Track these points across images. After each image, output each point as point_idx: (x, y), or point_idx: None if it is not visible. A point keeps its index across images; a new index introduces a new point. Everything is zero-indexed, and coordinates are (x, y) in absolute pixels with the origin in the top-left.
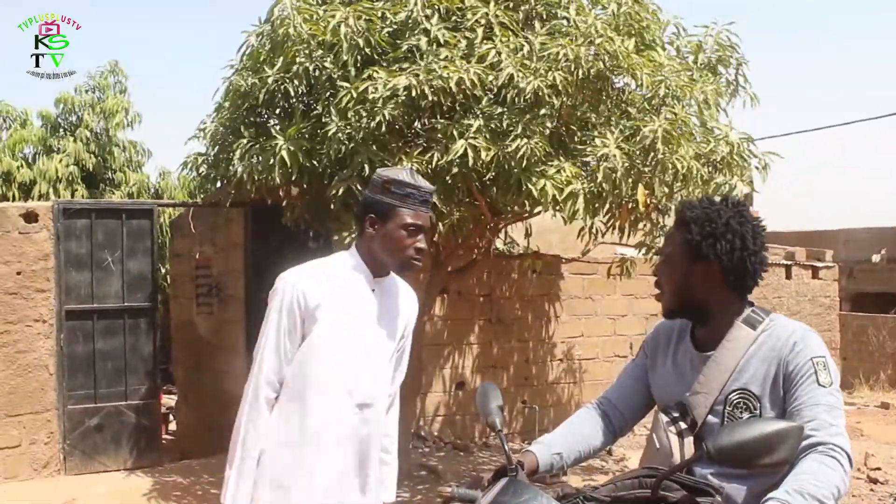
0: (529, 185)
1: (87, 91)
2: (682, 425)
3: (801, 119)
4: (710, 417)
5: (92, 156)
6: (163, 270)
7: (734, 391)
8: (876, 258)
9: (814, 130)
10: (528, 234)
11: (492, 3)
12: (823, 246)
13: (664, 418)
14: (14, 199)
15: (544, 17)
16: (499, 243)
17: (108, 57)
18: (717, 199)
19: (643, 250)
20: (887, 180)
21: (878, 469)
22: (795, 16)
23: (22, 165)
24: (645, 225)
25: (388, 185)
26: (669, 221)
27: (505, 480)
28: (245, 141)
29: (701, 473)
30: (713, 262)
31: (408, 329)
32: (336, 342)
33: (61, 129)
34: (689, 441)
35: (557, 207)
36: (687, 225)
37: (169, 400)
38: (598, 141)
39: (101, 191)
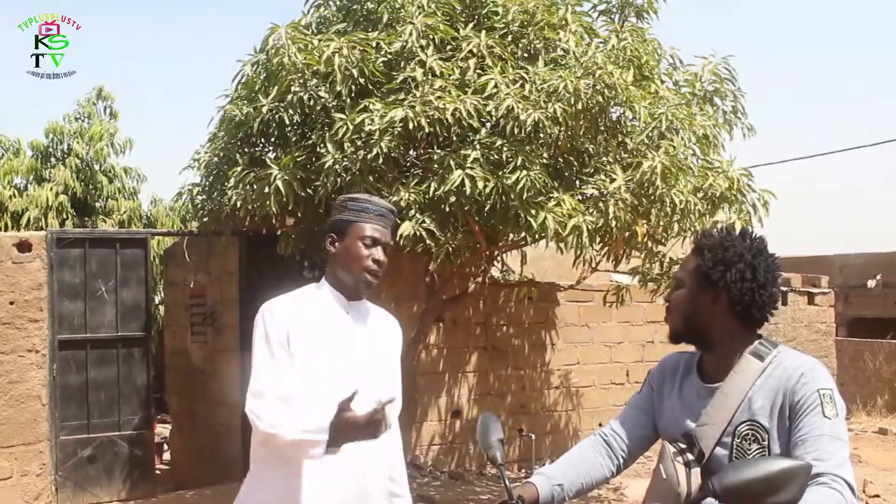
0: (529, 218)
1: (76, 119)
2: (689, 456)
3: (797, 145)
4: (718, 449)
5: (81, 184)
6: (156, 300)
7: (743, 423)
8: (871, 283)
9: (809, 158)
10: (523, 262)
11: (483, 34)
12: (818, 272)
13: (671, 449)
14: (6, 229)
15: (542, 51)
16: (494, 271)
17: (109, 71)
18: (737, 231)
19: (638, 277)
20: (882, 206)
21: (877, 497)
22: (788, 39)
23: (14, 195)
24: (641, 254)
25: (344, 204)
26: (664, 250)
27: None
28: (240, 169)
29: None
30: (721, 291)
31: (394, 357)
32: (320, 370)
33: (53, 158)
34: (696, 472)
35: (560, 241)
36: (701, 252)
37: (163, 429)
38: (604, 175)
39: (94, 220)
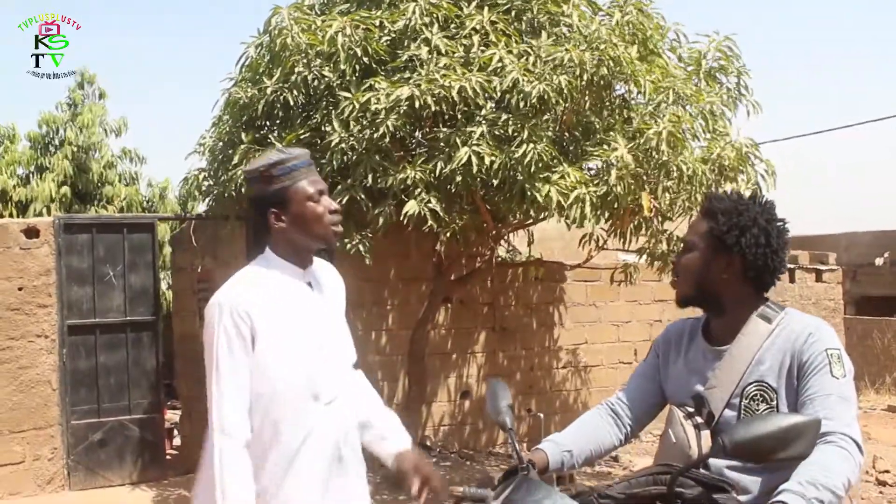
0: (534, 192)
1: (68, 106)
2: (699, 419)
3: (802, 122)
4: (726, 411)
5: (80, 172)
6: (163, 286)
7: (751, 384)
8: (879, 261)
9: (814, 134)
10: (530, 242)
11: (486, 10)
12: (826, 250)
13: (679, 413)
14: (13, 217)
15: (547, 26)
16: (501, 251)
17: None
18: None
19: (645, 256)
20: (890, 183)
21: (887, 472)
22: (798, 14)
23: (18, 184)
24: (647, 231)
25: (268, 173)
26: (671, 227)
27: (517, 478)
28: (244, 148)
29: (716, 467)
30: (735, 256)
31: (343, 308)
32: (292, 351)
33: (51, 147)
34: (706, 435)
35: (563, 213)
36: (714, 215)
37: (173, 415)
38: (607, 146)
39: (96, 208)
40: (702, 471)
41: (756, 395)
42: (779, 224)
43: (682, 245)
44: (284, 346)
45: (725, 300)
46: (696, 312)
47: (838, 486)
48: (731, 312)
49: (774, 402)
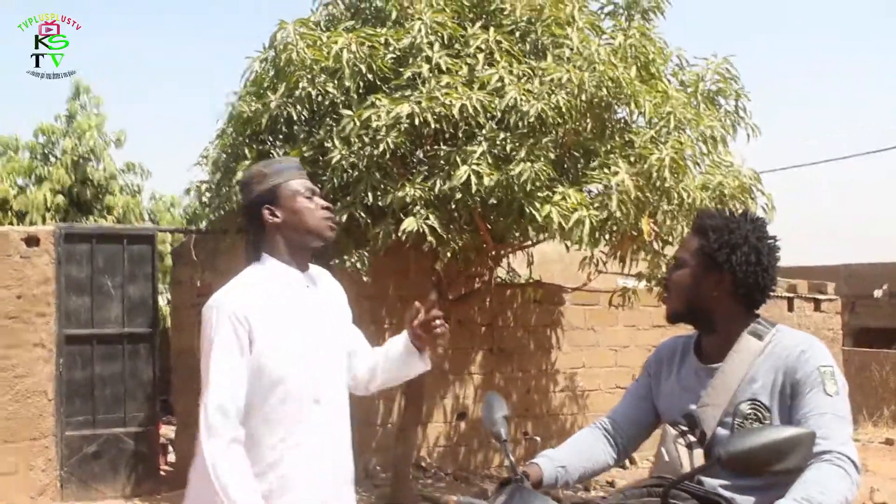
0: (533, 212)
1: (66, 118)
2: (691, 438)
3: (801, 152)
4: (719, 429)
5: (77, 183)
6: (161, 300)
7: (744, 401)
8: (878, 293)
9: (813, 164)
10: (529, 263)
11: (492, 30)
12: (825, 281)
13: (672, 431)
14: (13, 226)
15: (550, 48)
16: (501, 272)
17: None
18: (738, 212)
19: (644, 281)
20: (889, 215)
21: None
22: (798, 45)
23: (18, 193)
24: (647, 255)
25: (260, 175)
26: (671, 252)
27: (511, 488)
28: (248, 163)
29: (710, 486)
30: (726, 273)
31: (348, 313)
32: (292, 353)
33: (50, 157)
34: (699, 453)
35: (564, 235)
36: (704, 232)
37: (168, 431)
38: (608, 170)
39: (95, 218)
40: (697, 485)
41: (749, 413)
42: (769, 241)
43: (673, 261)
44: (284, 348)
45: (716, 317)
46: (689, 329)
47: None
48: (722, 330)
49: (768, 421)
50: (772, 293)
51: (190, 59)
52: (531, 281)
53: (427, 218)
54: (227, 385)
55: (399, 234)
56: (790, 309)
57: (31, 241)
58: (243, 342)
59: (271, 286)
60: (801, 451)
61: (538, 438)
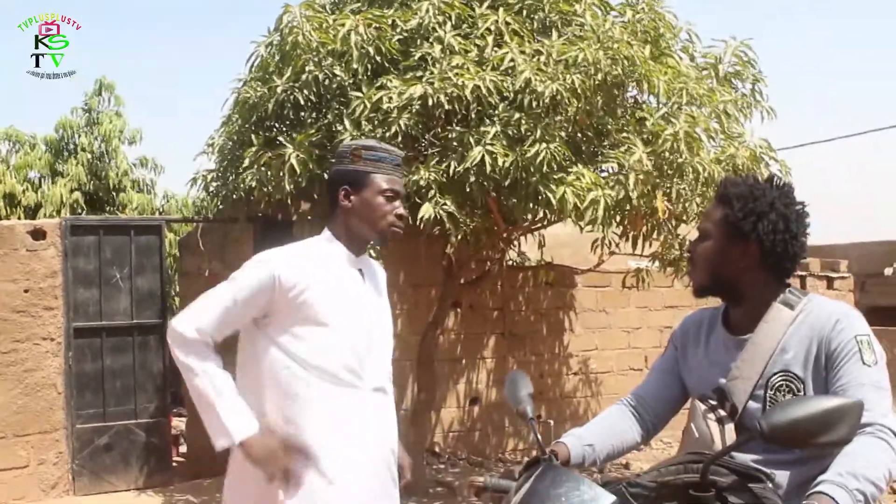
0: (548, 193)
1: (84, 111)
2: (722, 412)
3: (814, 129)
4: (750, 403)
5: (94, 178)
6: (173, 293)
7: (776, 373)
8: (888, 272)
9: (827, 141)
10: (541, 246)
11: (501, 10)
12: (835, 259)
13: (702, 406)
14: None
15: (559, 25)
16: (512, 254)
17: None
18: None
19: (657, 262)
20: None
21: None
22: (815, 20)
23: (28, 189)
24: (660, 235)
25: (357, 153)
26: (684, 231)
27: (540, 467)
28: (254, 149)
29: (742, 461)
30: (752, 242)
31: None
32: (340, 327)
33: (65, 152)
34: (730, 428)
35: (579, 216)
36: (729, 201)
37: (179, 423)
38: (624, 149)
39: (109, 213)
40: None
41: (782, 385)
42: (798, 208)
43: (697, 233)
44: (331, 319)
45: (744, 288)
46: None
47: (880, 478)
48: (750, 300)
49: (801, 393)
50: (802, 260)
51: (204, 56)
52: (542, 263)
53: (444, 204)
54: (214, 318)
55: (416, 222)
56: (802, 286)
57: (38, 234)
58: (259, 300)
59: (325, 260)
60: (849, 422)
61: (551, 422)
